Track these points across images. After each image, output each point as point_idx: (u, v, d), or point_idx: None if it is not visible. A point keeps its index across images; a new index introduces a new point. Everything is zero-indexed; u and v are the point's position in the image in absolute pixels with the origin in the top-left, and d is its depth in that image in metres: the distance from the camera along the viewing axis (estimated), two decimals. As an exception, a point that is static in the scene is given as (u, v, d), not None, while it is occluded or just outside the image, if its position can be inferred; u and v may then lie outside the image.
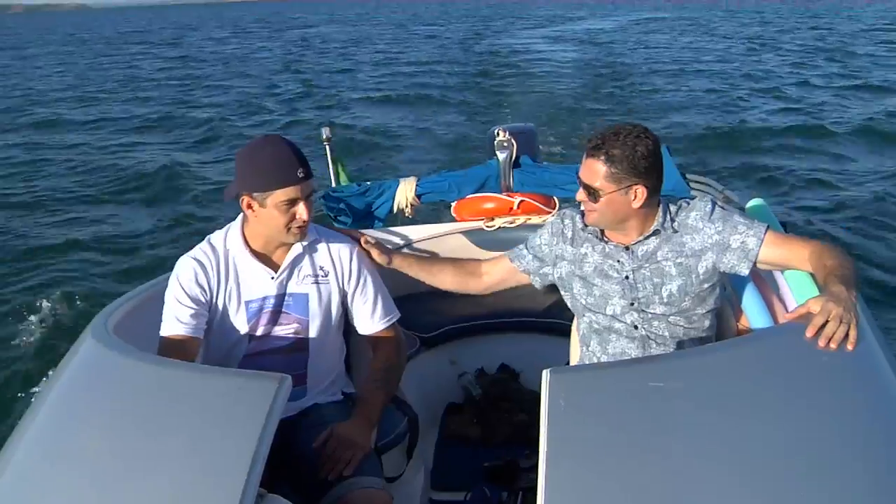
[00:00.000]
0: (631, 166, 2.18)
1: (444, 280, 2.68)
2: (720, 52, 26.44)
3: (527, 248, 2.56)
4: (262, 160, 2.23)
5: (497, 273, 2.63)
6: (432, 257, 2.56)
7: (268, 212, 2.26)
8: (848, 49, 25.52)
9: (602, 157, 2.20)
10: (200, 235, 2.49)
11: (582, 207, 2.41)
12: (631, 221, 2.29)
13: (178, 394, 1.86)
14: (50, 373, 2.24)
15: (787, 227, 2.87)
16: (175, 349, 2.24)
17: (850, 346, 1.82)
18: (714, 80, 19.34)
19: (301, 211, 2.27)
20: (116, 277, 7.23)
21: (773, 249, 2.23)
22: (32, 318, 6.31)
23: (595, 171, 2.22)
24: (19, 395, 5.01)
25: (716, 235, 2.26)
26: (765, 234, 2.24)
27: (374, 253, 2.56)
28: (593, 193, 2.24)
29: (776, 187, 9.33)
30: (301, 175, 2.24)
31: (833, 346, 1.81)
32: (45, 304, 6.52)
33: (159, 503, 1.60)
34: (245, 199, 2.27)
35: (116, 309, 2.47)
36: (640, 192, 2.22)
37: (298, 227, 2.30)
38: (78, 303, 6.50)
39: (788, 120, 13.71)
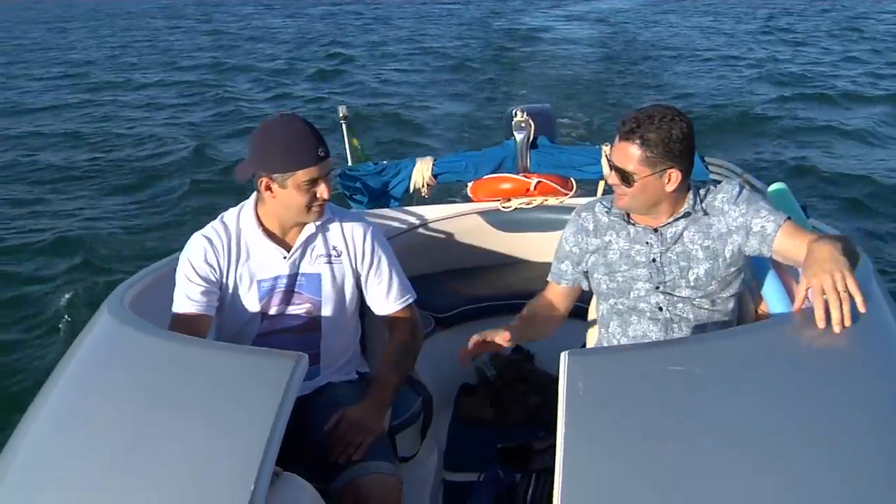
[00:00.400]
0: (666, 150, 2.14)
1: (546, 333, 2.60)
2: (739, 35, 26.14)
3: (561, 262, 2.49)
4: (280, 140, 2.21)
5: (561, 301, 2.54)
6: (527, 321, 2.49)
7: (288, 192, 2.24)
8: (874, 33, 25.16)
9: (637, 141, 2.15)
10: (221, 210, 2.48)
11: (599, 199, 2.39)
12: (663, 205, 2.26)
13: (195, 370, 1.87)
14: (67, 347, 2.24)
15: (808, 211, 2.84)
16: (185, 326, 2.24)
17: (859, 306, 1.80)
18: (733, 63, 19.13)
19: (322, 190, 2.25)
20: (134, 253, 7.25)
21: (787, 240, 2.19)
22: (50, 292, 6.35)
23: (629, 154, 2.17)
24: (36, 370, 5.04)
25: (740, 218, 2.24)
26: (784, 221, 2.21)
27: (499, 338, 2.33)
28: (627, 177, 2.19)
29: (798, 172, 9.23)
30: (322, 154, 2.22)
31: (847, 323, 1.78)
32: (62, 279, 6.57)
33: (175, 479, 1.60)
34: (264, 181, 2.25)
35: (133, 285, 2.48)
36: (675, 176, 2.19)
37: (319, 206, 2.29)
38: (95, 278, 6.53)
39: (810, 105, 13.54)
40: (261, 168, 2.24)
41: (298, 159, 2.20)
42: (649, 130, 2.14)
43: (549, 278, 2.54)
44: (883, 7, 34.33)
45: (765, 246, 2.22)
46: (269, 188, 2.26)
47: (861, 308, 1.81)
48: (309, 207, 2.27)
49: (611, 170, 2.25)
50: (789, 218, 2.23)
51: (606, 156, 3.65)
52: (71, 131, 13.08)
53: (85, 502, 1.64)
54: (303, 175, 2.21)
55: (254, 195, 2.38)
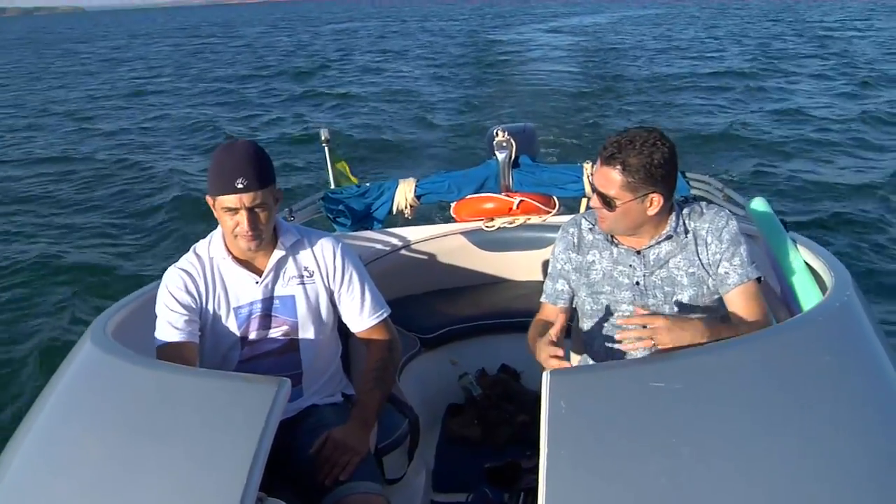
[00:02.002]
0: (647, 175, 2.14)
1: None
2: (723, 48, 26.44)
3: (555, 281, 2.46)
4: (215, 163, 2.24)
5: (560, 319, 2.43)
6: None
7: (219, 215, 2.27)
8: (843, 46, 25.50)
9: (618, 166, 2.14)
10: (202, 235, 2.48)
11: (582, 215, 2.40)
12: (645, 227, 2.27)
13: (178, 397, 1.86)
14: (50, 376, 2.22)
15: (788, 226, 2.86)
16: (173, 356, 2.23)
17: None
18: (716, 78, 19.33)
19: (240, 221, 2.23)
20: (116, 281, 7.21)
21: (740, 300, 2.21)
22: (32, 321, 6.30)
23: (611, 179, 2.17)
24: (19, 398, 4.99)
25: (717, 255, 2.24)
26: (749, 281, 2.21)
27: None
28: (609, 202, 2.19)
29: (777, 187, 9.31)
30: (240, 186, 2.18)
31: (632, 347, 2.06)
32: (44, 306, 6.52)
33: None
34: (210, 200, 2.29)
35: (116, 313, 2.46)
36: (657, 200, 2.19)
37: (242, 236, 2.26)
38: (78, 304, 6.49)
39: (788, 119, 13.70)
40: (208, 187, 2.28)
41: (217, 185, 2.22)
42: (630, 155, 2.13)
43: (543, 300, 2.50)
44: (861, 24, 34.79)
45: (722, 289, 2.25)
46: (213, 208, 2.29)
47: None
48: (234, 234, 2.27)
49: (593, 192, 2.26)
50: (759, 279, 2.23)
51: (588, 177, 3.68)
52: (53, 156, 13.07)
53: None
54: (220, 201, 2.23)
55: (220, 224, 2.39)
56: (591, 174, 2.32)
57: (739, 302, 2.20)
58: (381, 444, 2.47)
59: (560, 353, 2.09)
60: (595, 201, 2.25)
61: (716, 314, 2.28)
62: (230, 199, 2.20)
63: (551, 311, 2.46)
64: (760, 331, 2.05)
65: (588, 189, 3.69)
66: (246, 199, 2.20)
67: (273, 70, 26.53)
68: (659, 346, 2.02)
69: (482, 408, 3.35)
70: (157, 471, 1.65)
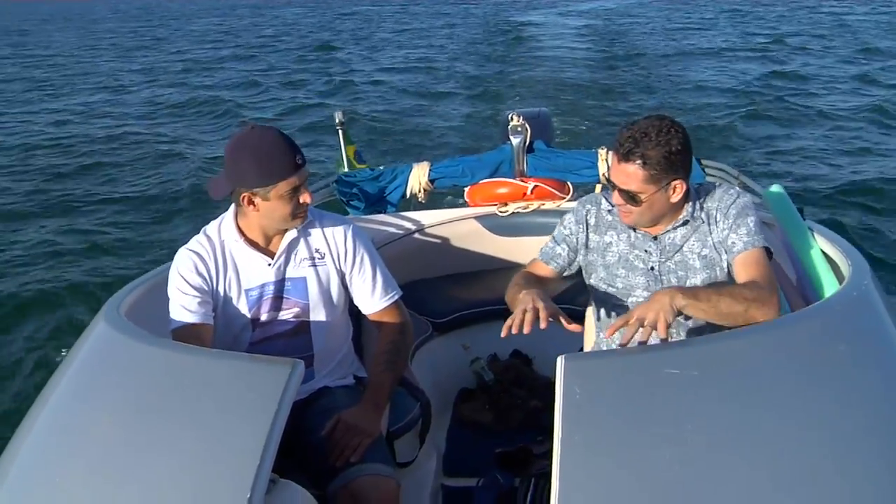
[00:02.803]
0: (668, 164, 2.12)
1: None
2: (736, 33, 26.21)
3: (558, 244, 2.44)
4: (257, 154, 2.20)
5: (547, 279, 2.46)
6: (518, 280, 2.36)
7: (271, 204, 2.24)
8: (866, 35, 25.23)
9: (638, 161, 2.11)
10: (214, 216, 2.48)
11: (602, 193, 2.37)
12: (666, 215, 2.25)
13: (191, 378, 1.86)
14: (63, 355, 2.24)
15: (805, 214, 2.84)
16: (189, 338, 2.23)
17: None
18: (729, 62, 19.19)
19: (304, 197, 2.27)
20: (130, 261, 7.25)
21: (744, 264, 2.17)
22: (46, 301, 6.34)
23: (632, 175, 2.14)
24: (32, 378, 5.03)
25: (726, 230, 2.22)
26: (753, 248, 2.17)
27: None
28: (633, 197, 2.17)
29: (796, 175, 9.24)
30: (300, 162, 2.23)
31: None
32: (58, 287, 6.56)
33: (172, 486, 1.60)
34: (246, 196, 2.24)
35: (129, 293, 2.47)
36: (679, 187, 2.17)
37: (303, 212, 2.31)
38: (91, 285, 6.53)
39: (808, 107, 13.57)
40: (240, 184, 2.23)
41: (278, 171, 2.20)
42: (648, 148, 2.10)
43: (538, 256, 2.48)
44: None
45: (729, 258, 2.22)
46: (251, 202, 2.26)
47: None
48: (294, 215, 2.29)
49: (613, 189, 2.23)
50: (766, 248, 2.19)
51: (605, 162, 3.66)
52: (62, 140, 13.07)
53: None
54: (284, 186, 2.21)
55: (232, 207, 2.38)
56: (607, 163, 2.28)
57: (742, 268, 2.16)
58: (392, 428, 2.47)
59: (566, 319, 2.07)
60: (618, 198, 2.21)
61: None
62: (295, 179, 2.22)
63: (542, 268, 2.46)
64: (777, 319, 2.03)
65: (602, 172, 3.68)
66: (305, 173, 2.26)
67: (285, 51, 26.51)
68: (649, 325, 1.98)
69: (494, 393, 3.35)
70: (170, 451, 1.66)
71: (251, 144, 2.22)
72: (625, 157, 2.14)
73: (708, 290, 2.06)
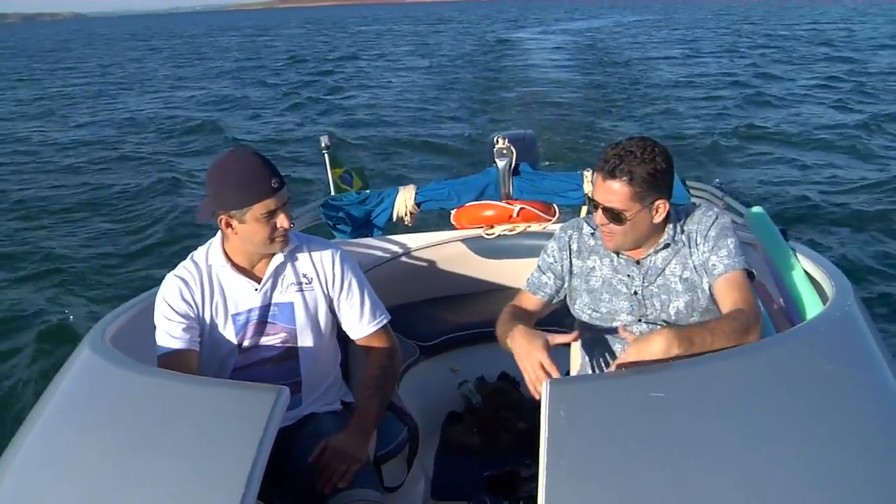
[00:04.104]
0: (653, 182, 2.13)
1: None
2: (716, 58, 26.49)
3: (543, 273, 2.44)
4: (234, 176, 2.21)
5: (533, 313, 2.44)
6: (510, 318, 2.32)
7: (248, 227, 2.25)
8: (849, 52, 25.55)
9: (625, 178, 2.12)
10: (205, 239, 2.48)
11: (584, 218, 2.38)
12: (649, 238, 2.26)
13: (176, 405, 1.85)
14: (47, 383, 2.22)
15: (788, 235, 2.86)
16: (174, 364, 2.22)
17: None
18: (711, 85, 19.38)
19: (282, 220, 2.26)
20: (116, 286, 7.21)
21: (726, 287, 2.16)
22: (30, 327, 6.29)
23: (617, 192, 2.14)
24: (16, 405, 4.98)
25: (706, 253, 2.23)
26: (734, 271, 2.17)
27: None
28: (618, 216, 2.16)
29: (777, 195, 9.32)
30: (276, 185, 2.22)
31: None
32: (42, 313, 6.51)
33: None
34: (223, 219, 2.25)
35: (114, 320, 2.46)
36: (662, 207, 2.18)
37: (281, 236, 2.30)
38: (76, 313, 6.48)
39: (788, 128, 13.71)
40: (218, 206, 2.24)
41: (253, 193, 2.20)
42: (633, 165, 2.12)
43: (525, 287, 2.48)
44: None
45: (710, 280, 2.21)
46: (229, 225, 2.26)
47: None
48: (272, 239, 2.28)
49: (595, 209, 2.23)
50: (746, 270, 2.19)
51: (589, 183, 3.68)
52: (49, 162, 13.04)
53: None
54: (259, 208, 2.21)
55: (219, 233, 2.38)
56: (592, 184, 2.28)
57: (724, 291, 2.16)
58: (380, 452, 2.46)
59: (555, 373, 2.03)
60: (600, 218, 2.21)
61: (711, 317, 2.25)
62: (270, 202, 2.21)
63: (529, 299, 2.45)
64: (761, 341, 2.04)
65: (588, 191, 3.69)
66: (283, 196, 2.25)
67: (272, 73, 26.56)
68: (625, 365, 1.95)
69: (481, 416, 3.34)
70: (156, 478, 1.65)
71: (229, 167, 2.23)
72: (610, 173, 2.14)
73: (702, 332, 2.00)
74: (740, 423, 1.64)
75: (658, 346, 1.92)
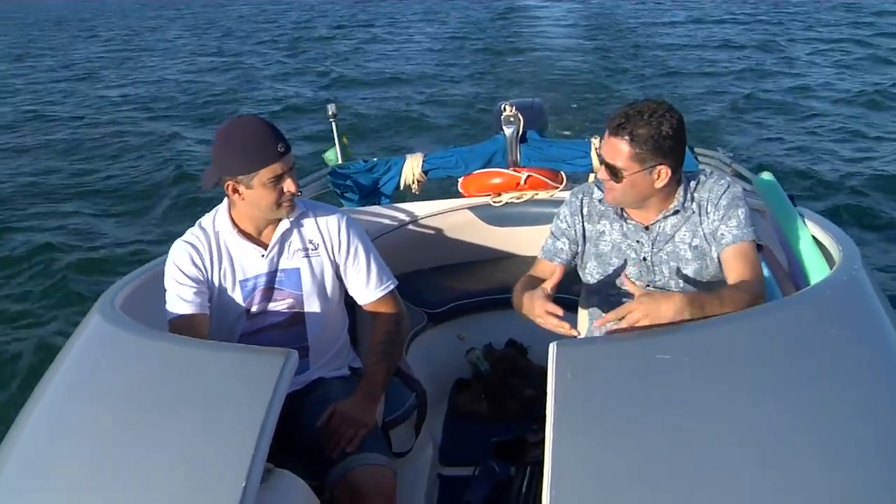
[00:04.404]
0: (656, 146, 2.12)
1: None
2: (732, 23, 26.18)
3: (557, 239, 2.44)
4: (240, 142, 2.22)
5: (556, 273, 2.34)
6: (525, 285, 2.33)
7: (255, 192, 2.25)
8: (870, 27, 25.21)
9: (626, 137, 2.12)
10: (207, 210, 2.49)
11: (594, 183, 2.37)
12: (652, 200, 2.25)
13: (186, 369, 1.87)
14: (59, 349, 2.24)
15: (796, 201, 2.85)
16: (185, 328, 2.25)
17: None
18: (726, 52, 19.17)
19: (289, 185, 2.27)
20: (125, 254, 7.23)
21: (734, 257, 2.16)
22: (41, 295, 6.34)
23: (618, 150, 2.15)
24: (28, 372, 5.02)
25: (716, 222, 2.23)
26: (743, 242, 2.18)
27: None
28: (616, 173, 2.17)
29: (787, 162, 9.26)
30: (282, 150, 2.23)
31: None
32: (53, 281, 6.56)
33: (167, 477, 1.61)
34: (230, 185, 2.26)
35: (124, 286, 2.48)
36: (664, 172, 2.17)
37: (288, 201, 2.30)
38: (86, 279, 6.52)
39: (800, 96, 13.57)
40: (225, 172, 2.25)
41: (260, 158, 2.21)
42: (638, 126, 2.11)
43: (540, 255, 2.48)
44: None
45: (718, 250, 2.22)
46: (236, 191, 2.27)
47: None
48: (279, 204, 2.29)
49: (600, 164, 2.24)
50: (755, 241, 2.20)
51: (596, 149, 3.66)
52: (59, 136, 13.02)
53: (78, 502, 1.64)
54: (266, 173, 2.22)
55: (226, 199, 2.39)
56: (599, 147, 2.28)
57: (732, 262, 2.17)
58: (388, 418, 2.48)
59: (558, 311, 2.07)
60: (602, 172, 2.23)
61: (720, 284, 2.25)
62: (277, 166, 2.22)
63: (546, 266, 2.44)
64: (767, 304, 2.04)
65: (595, 163, 3.68)
66: (289, 161, 2.26)
67: (279, 42, 26.40)
68: (636, 322, 1.94)
69: (489, 382, 3.36)
70: (165, 442, 1.67)
71: (235, 133, 2.25)
72: (614, 130, 2.15)
73: (712, 299, 2.01)
74: (745, 386, 1.65)
75: (669, 310, 1.92)
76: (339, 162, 4.14)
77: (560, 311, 2.07)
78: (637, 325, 1.92)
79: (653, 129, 2.11)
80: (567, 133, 10.16)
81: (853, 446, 1.58)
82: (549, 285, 2.15)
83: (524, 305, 2.19)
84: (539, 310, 2.10)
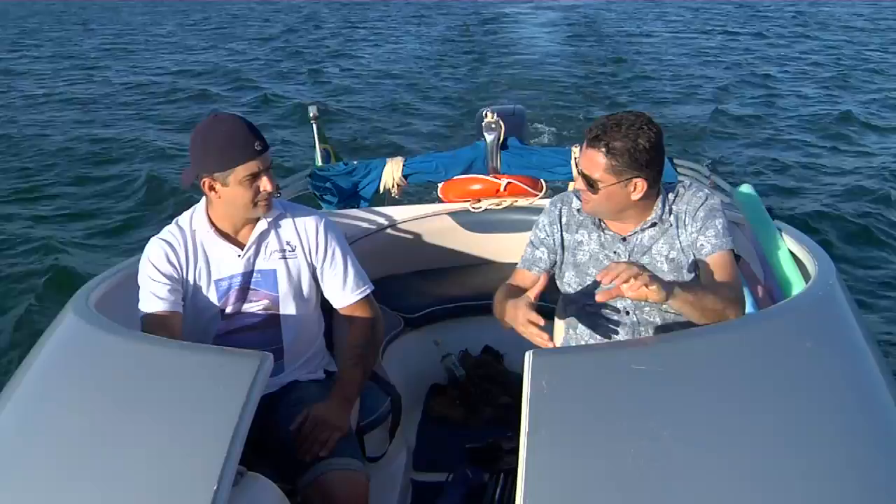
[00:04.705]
0: (632, 159, 2.12)
1: None
2: (712, 37, 26.43)
3: (536, 248, 2.43)
4: (217, 140, 2.21)
5: (538, 284, 2.31)
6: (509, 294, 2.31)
7: (231, 190, 2.24)
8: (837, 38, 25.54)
9: (602, 149, 2.12)
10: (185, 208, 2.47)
11: (573, 192, 2.38)
12: (629, 212, 2.25)
13: (160, 370, 1.85)
14: (30, 347, 2.21)
15: (774, 214, 2.88)
16: (158, 325, 2.22)
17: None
18: (709, 68, 19.35)
19: (265, 183, 2.25)
20: (100, 253, 7.17)
21: (713, 268, 2.17)
22: (14, 293, 6.26)
23: (595, 162, 2.15)
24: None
25: (694, 234, 2.23)
26: (721, 251, 2.19)
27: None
28: (592, 184, 2.17)
29: (764, 175, 9.35)
30: (259, 148, 2.22)
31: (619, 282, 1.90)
32: (27, 279, 6.47)
33: (138, 479, 1.59)
34: (206, 182, 2.25)
35: (98, 284, 2.45)
36: (640, 185, 2.17)
37: (265, 199, 2.29)
38: (60, 278, 6.44)
39: (779, 109, 13.74)
40: (202, 169, 2.24)
41: (236, 155, 2.20)
42: (615, 139, 2.11)
43: (519, 266, 2.48)
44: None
45: (697, 258, 2.22)
46: (212, 188, 2.26)
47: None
48: (255, 202, 2.28)
49: (579, 174, 2.25)
50: (732, 251, 2.21)
51: (575, 158, 3.68)
52: (34, 134, 12.86)
53: (46, 502, 1.62)
54: (242, 170, 2.21)
55: (203, 198, 2.37)
56: (577, 158, 2.29)
57: (710, 270, 2.18)
58: (362, 423, 2.47)
59: (539, 321, 2.06)
60: (579, 183, 2.23)
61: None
62: (254, 164, 2.21)
63: (525, 276, 2.44)
64: (743, 317, 2.05)
65: (575, 172, 3.69)
66: (266, 159, 2.24)
67: (259, 45, 26.32)
68: (634, 276, 1.92)
69: (464, 388, 3.36)
70: (137, 442, 1.65)
71: (212, 130, 2.24)
72: (591, 142, 2.16)
73: (695, 285, 2.05)
74: (720, 397, 1.66)
75: (659, 280, 1.94)
76: (320, 164, 4.12)
77: (542, 321, 2.07)
78: (635, 279, 1.90)
79: (629, 142, 2.11)
80: (546, 140, 10.21)
81: (826, 458, 1.59)
82: (533, 294, 2.15)
83: (507, 313, 2.18)
84: (522, 318, 2.10)
